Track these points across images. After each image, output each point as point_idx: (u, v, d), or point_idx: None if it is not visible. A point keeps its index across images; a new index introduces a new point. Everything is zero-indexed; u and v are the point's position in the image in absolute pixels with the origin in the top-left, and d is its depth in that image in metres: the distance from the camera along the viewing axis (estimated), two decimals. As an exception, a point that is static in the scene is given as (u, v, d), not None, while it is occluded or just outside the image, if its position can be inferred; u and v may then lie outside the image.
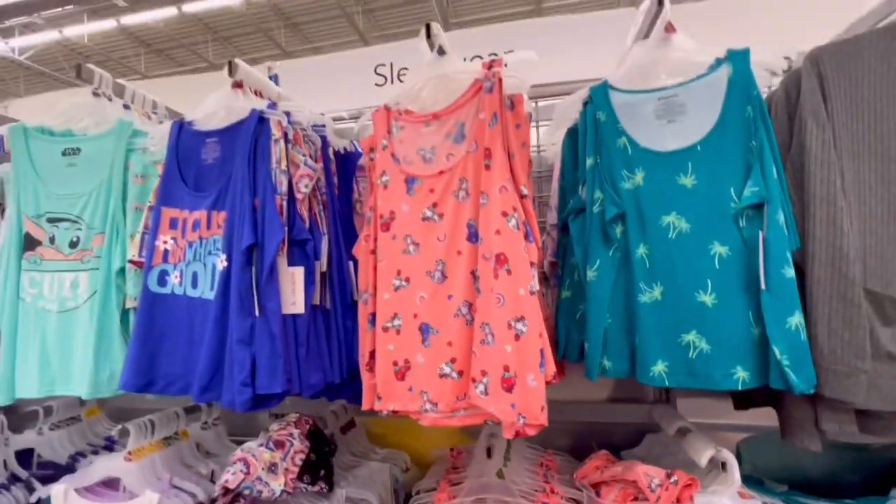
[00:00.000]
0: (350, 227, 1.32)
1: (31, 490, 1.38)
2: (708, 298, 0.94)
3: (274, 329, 1.02)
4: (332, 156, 1.28)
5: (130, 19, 7.59)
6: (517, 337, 0.91)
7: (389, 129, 1.12)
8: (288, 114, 1.14)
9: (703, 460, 1.01)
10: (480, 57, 3.52)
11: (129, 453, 1.25)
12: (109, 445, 1.67)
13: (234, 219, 1.08)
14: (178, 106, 1.67)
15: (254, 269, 1.05)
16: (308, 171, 1.12)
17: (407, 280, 1.04)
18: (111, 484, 1.26)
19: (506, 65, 1.03)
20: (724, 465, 1.00)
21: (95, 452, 1.63)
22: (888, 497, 1.10)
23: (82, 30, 7.70)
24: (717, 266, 0.94)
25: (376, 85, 3.82)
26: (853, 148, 0.92)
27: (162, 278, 1.15)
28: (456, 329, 0.98)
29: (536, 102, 1.45)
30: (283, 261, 1.07)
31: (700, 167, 0.97)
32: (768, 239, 0.88)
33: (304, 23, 8.72)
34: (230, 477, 1.06)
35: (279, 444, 1.17)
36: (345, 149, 1.37)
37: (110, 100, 1.40)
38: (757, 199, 0.89)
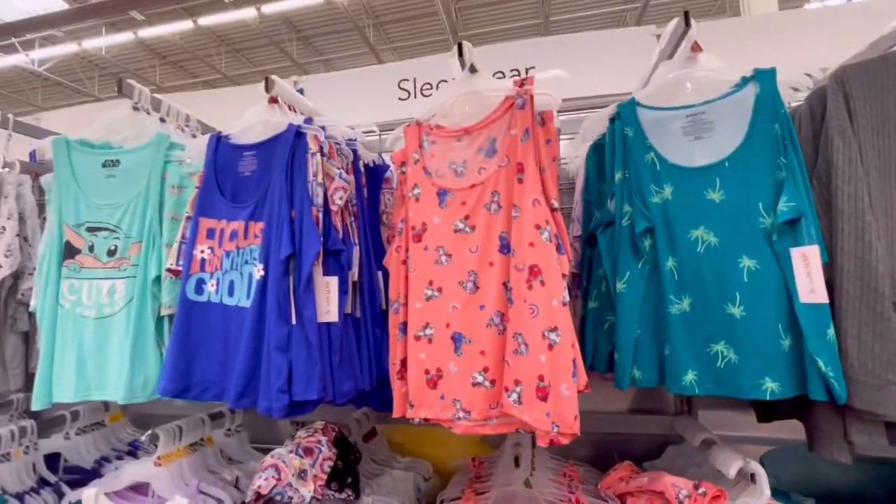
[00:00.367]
0: (378, 238, 1.35)
1: (60, 495, 1.40)
2: (736, 310, 0.96)
3: (311, 337, 1.04)
4: (362, 169, 1.32)
5: (147, 32, 7.76)
6: (551, 347, 0.93)
7: (421, 143, 1.15)
8: (324, 128, 1.17)
9: (732, 472, 1.02)
10: (503, 73, 3.62)
11: (159, 458, 1.26)
12: (133, 451, 1.69)
13: (271, 230, 1.11)
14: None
15: (291, 278, 1.08)
16: (342, 183, 1.15)
17: (439, 290, 1.06)
18: (140, 489, 1.27)
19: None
20: (752, 477, 1.01)
21: (120, 457, 1.64)
22: (916, 511, 1.10)
23: (100, 42, 7.87)
24: (746, 279, 0.96)
25: (400, 99, 3.90)
26: (879, 164, 0.94)
27: (199, 286, 1.17)
28: (488, 339, 1.00)
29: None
30: (318, 270, 1.10)
31: (728, 183, 1.00)
32: (807, 252, 0.91)
33: (315, 35, 8.88)
34: (262, 482, 1.07)
35: (308, 451, 1.19)
36: (373, 161, 1.41)
37: (148, 113, 1.45)
38: (794, 214, 0.91)
